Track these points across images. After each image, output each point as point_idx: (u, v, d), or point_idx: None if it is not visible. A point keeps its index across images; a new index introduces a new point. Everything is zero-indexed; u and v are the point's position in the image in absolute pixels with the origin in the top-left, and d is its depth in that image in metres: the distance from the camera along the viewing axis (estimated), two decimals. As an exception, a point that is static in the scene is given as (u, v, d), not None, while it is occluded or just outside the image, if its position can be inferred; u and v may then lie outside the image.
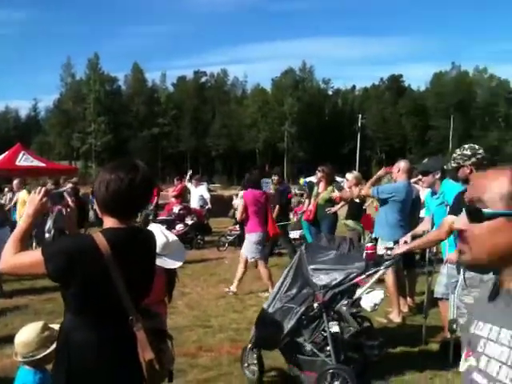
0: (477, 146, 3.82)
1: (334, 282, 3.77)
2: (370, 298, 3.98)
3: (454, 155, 3.84)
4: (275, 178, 10.25)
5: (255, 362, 4.04)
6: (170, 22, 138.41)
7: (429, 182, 4.73)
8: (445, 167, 4.11)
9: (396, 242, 4.81)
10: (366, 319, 4.55)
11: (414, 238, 5.35)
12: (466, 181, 3.83)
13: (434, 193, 4.79)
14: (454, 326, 3.89)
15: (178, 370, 4.37)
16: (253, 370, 4.07)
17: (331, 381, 3.62)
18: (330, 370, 3.64)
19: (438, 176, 4.67)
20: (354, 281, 3.83)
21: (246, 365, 4.12)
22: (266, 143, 78.08)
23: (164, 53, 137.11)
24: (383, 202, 5.95)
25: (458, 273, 4.42)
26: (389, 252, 4.94)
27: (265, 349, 4.06)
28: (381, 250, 5.58)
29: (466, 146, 3.89)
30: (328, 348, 3.73)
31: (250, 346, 4.06)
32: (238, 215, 7.36)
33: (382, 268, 4.07)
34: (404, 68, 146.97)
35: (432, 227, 4.85)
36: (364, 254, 4.45)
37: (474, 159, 3.74)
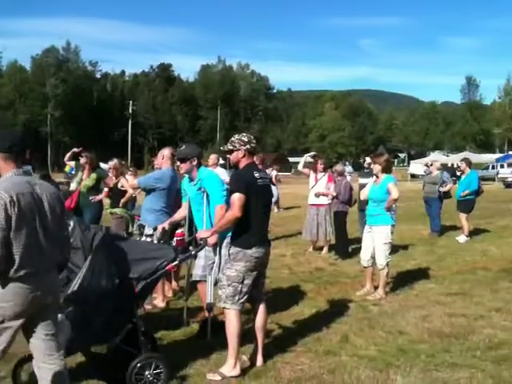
0: (252, 136, 4.19)
1: (146, 273, 3.66)
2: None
3: (232, 139, 4.12)
4: None
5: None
6: None
7: (186, 169, 4.86)
8: (221, 148, 4.34)
9: (155, 229, 4.83)
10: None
11: (176, 224, 5.48)
12: (236, 163, 4.11)
13: (191, 179, 4.93)
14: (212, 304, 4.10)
15: None
16: None
17: (141, 372, 3.54)
18: (141, 362, 3.55)
19: (195, 163, 4.81)
20: (166, 268, 3.80)
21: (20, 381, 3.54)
22: (25, 127, 70.85)
23: None
24: (149, 189, 5.95)
25: (215, 255, 4.69)
26: (148, 239, 4.95)
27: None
28: (143, 236, 5.59)
29: (244, 133, 4.23)
30: (134, 339, 3.66)
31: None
32: None
33: (192, 253, 4.16)
34: (173, 58, 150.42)
35: (191, 213, 5.00)
36: (174, 241, 4.40)
37: (248, 146, 4.07)
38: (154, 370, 3.58)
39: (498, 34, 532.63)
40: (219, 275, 4.14)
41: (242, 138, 4.08)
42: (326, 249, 9.29)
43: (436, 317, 5.35)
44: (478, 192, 10.81)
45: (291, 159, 65.23)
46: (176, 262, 3.88)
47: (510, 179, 31.52)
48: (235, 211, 3.86)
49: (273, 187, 17.83)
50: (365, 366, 4.11)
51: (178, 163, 4.96)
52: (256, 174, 4.01)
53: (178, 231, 4.60)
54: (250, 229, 3.94)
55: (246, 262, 3.92)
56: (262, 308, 4.19)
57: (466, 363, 4.13)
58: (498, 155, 53.30)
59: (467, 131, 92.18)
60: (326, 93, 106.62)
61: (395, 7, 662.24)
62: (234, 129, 71.23)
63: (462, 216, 10.60)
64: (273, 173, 18.69)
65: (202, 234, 4.23)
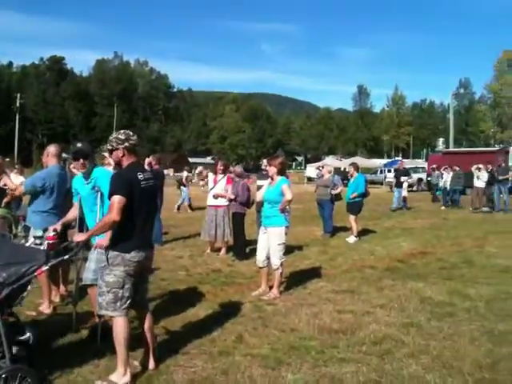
0: (131, 133, 3.99)
1: (12, 278, 3.40)
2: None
3: (110, 138, 3.96)
4: None
5: None
6: None
7: (88, 166, 4.67)
8: (102, 148, 4.16)
9: (45, 230, 4.55)
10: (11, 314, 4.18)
11: (67, 224, 5.19)
12: (118, 163, 3.95)
13: (86, 178, 4.71)
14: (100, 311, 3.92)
15: None
16: None
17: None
18: (5, 374, 3.29)
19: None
20: (36, 273, 3.56)
21: None
22: None
23: None
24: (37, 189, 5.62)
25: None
26: (37, 241, 4.66)
27: None
28: (31, 238, 5.23)
29: (122, 131, 4.03)
30: None
31: None
32: None
33: (66, 256, 3.84)
34: (66, 51, 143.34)
35: (82, 213, 4.77)
36: (45, 245, 4.11)
37: (127, 143, 3.89)
38: (20, 382, 3.34)
39: (387, 46, 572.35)
40: (99, 281, 3.95)
41: (119, 136, 3.90)
42: (223, 250, 9.32)
43: (326, 314, 5.57)
44: (364, 194, 11.48)
45: (192, 160, 64.92)
46: (46, 267, 3.65)
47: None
48: (113, 215, 3.63)
49: (183, 188, 17.94)
50: (258, 365, 4.17)
51: (82, 160, 4.67)
52: (140, 176, 3.82)
53: (50, 234, 4.35)
54: (129, 232, 3.77)
55: (125, 266, 3.75)
56: (147, 314, 4.07)
57: (353, 358, 4.34)
58: (386, 160, 57.14)
59: (359, 137, 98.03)
60: (228, 94, 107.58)
61: (294, 14, 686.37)
62: (132, 127, 69.31)
63: (352, 217, 11.19)
64: (184, 173, 18.53)
65: (77, 237, 3.93)
